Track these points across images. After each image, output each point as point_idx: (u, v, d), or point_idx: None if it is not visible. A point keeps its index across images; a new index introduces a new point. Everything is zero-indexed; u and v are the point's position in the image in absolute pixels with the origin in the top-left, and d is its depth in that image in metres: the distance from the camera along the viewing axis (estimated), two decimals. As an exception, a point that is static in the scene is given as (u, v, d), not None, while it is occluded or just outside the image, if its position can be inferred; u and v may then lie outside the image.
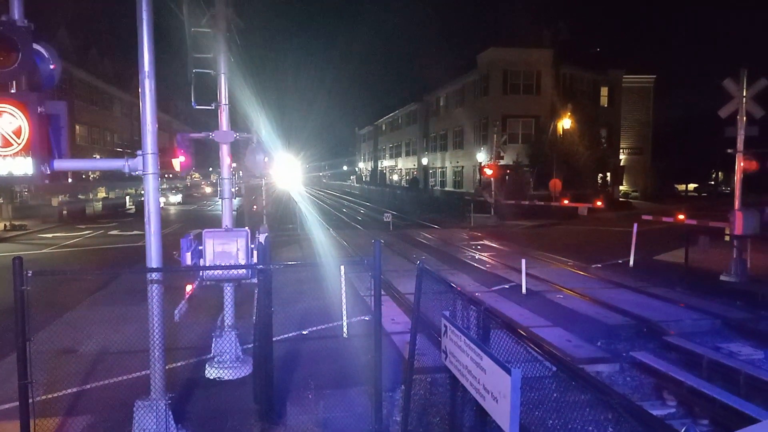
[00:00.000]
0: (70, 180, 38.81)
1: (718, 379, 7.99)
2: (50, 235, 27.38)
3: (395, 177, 76.85)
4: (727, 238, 15.46)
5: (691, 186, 70.35)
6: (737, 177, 15.04)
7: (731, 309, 11.65)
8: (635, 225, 17.94)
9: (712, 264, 14.95)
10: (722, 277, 14.32)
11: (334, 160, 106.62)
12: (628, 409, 3.05)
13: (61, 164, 5.53)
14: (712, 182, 71.46)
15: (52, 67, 5.58)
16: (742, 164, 14.77)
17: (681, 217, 19.40)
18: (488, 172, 34.82)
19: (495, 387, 3.70)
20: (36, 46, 5.33)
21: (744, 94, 14.42)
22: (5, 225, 28.61)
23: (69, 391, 7.48)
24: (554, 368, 3.86)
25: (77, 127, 46.37)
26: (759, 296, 12.13)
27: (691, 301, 12.25)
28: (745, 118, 14.50)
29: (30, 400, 5.22)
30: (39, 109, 5.16)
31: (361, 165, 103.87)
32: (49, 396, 7.18)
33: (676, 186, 67.32)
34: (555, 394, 4.03)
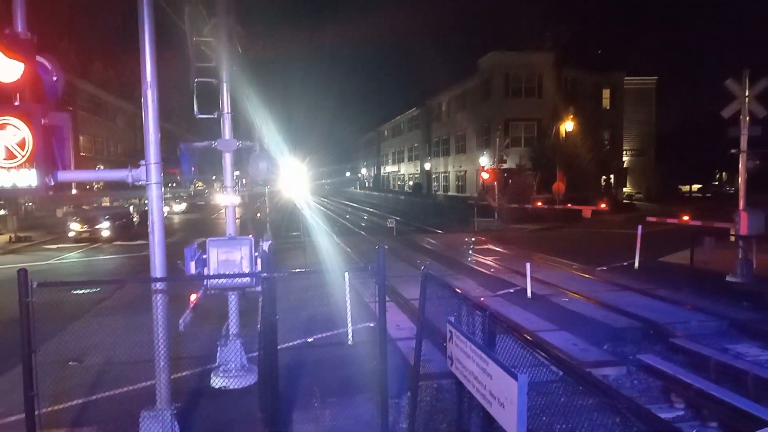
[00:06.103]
0: (74, 191, 38.92)
1: (726, 381, 7.93)
2: (55, 246, 27.44)
3: (398, 182, 76.92)
4: (732, 238, 15.39)
5: (695, 187, 70.12)
6: (741, 177, 15.01)
7: (738, 310, 11.58)
8: (639, 227, 17.86)
9: (717, 265, 14.87)
10: (728, 278, 14.24)
11: (337, 167, 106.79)
12: (636, 413, 3.02)
13: (65, 175, 5.54)
14: (716, 183, 71.29)
15: (55, 78, 5.61)
16: (745, 164, 14.75)
17: (686, 218, 19.32)
18: (485, 176, 34.94)
19: (501, 392, 3.68)
20: (39, 58, 5.36)
21: (746, 94, 14.40)
22: (10, 237, 28.62)
23: (75, 402, 7.47)
24: (561, 372, 3.83)
25: (81, 137, 46.58)
26: (765, 297, 12.06)
27: (697, 303, 12.19)
28: (748, 118, 14.47)
29: (36, 412, 5.21)
30: (42, 121, 5.18)
31: (363, 171, 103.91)
32: (56, 407, 7.17)
33: (680, 187, 67.15)
34: (562, 399, 4.00)
